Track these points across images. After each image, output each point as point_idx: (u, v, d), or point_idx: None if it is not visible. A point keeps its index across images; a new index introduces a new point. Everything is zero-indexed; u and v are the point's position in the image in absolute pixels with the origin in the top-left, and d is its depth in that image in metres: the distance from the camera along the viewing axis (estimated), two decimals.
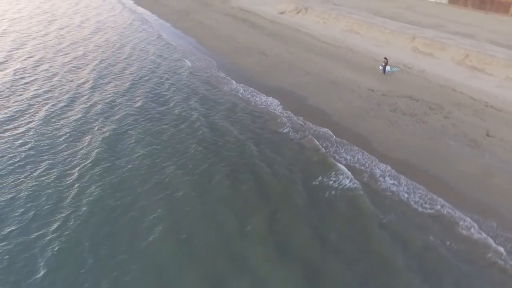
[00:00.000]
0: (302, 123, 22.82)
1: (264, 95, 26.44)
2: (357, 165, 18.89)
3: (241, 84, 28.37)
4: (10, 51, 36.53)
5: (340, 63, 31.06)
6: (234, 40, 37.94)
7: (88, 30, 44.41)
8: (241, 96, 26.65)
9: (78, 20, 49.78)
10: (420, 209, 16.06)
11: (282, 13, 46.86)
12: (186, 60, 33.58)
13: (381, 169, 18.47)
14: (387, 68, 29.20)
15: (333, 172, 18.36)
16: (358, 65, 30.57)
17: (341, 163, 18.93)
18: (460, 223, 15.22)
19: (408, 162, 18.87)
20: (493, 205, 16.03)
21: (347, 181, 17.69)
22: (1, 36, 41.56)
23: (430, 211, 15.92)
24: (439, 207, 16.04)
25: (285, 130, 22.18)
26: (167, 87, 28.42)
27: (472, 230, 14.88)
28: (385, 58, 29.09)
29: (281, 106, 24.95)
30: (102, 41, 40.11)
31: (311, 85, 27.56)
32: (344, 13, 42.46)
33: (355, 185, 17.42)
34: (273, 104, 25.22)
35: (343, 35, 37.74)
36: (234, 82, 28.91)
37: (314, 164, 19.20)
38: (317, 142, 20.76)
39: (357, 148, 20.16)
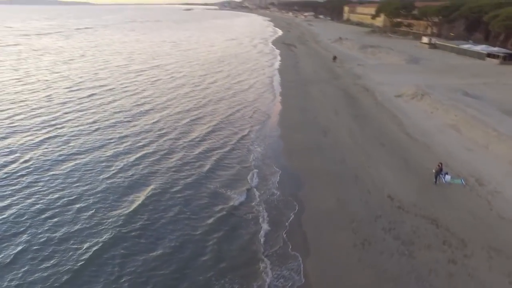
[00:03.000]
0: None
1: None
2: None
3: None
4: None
5: (394, 159, 25.41)
6: (314, 116, 35.69)
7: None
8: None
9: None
10: None
11: (399, 96, 41.75)
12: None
13: None
14: (446, 177, 22.32)
15: None
16: (412, 166, 24.42)
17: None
18: None
19: None
20: None
21: None
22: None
23: None
24: None
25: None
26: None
27: None
28: (440, 164, 22.33)
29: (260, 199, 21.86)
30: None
31: (332, 174, 23.34)
32: (462, 105, 34.80)
33: None
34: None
35: (439, 130, 30.87)
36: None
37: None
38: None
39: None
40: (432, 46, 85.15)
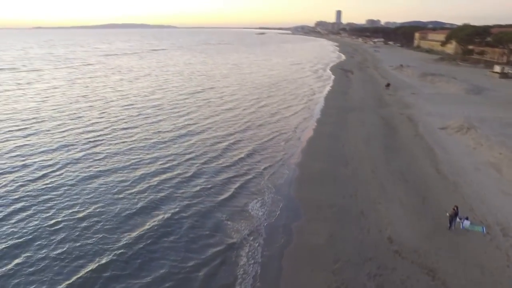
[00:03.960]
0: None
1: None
2: None
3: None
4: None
5: (411, 197, 23.21)
6: (342, 144, 34.13)
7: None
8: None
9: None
10: None
11: (443, 128, 38.52)
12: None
13: None
14: (465, 222, 19.88)
15: None
16: (430, 207, 22.08)
17: None
18: None
19: None
20: None
21: None
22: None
23: None
24: None
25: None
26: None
27: None
28: (455, 207, 19.89)
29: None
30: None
31: (337, 208, 21.89)
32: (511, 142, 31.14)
33: None
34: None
35: (476, 168, 27.77)
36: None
37: None
38: None
39: None
40: (504, 75, 77.88)
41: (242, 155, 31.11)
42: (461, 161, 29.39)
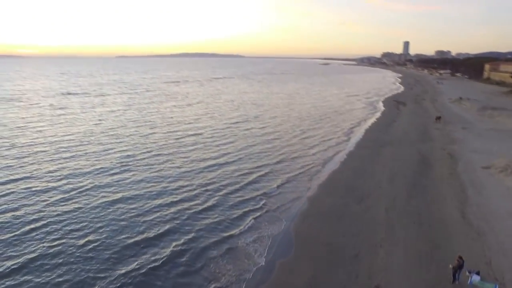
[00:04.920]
0: None
1: None
2: None
3: None
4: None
5: (421, 243, 20.87)
6: (364, 179, 32.10)
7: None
8: None
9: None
10: None
11: (487, 167, 34.74)
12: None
13: None
14: (475, 277, 17.36)
15: None
16: (438, 255, 19.63)
17: None
18: None
19: None
20: None
21: None
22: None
23: None
24: None
25: None
26: None
27: None
28: (460, 258, 17.43)
29: None
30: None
31: (332, 247, 20.29)
32: None
33: None
34: None
35: (510, 215, 24.43)
36: None
37: None
38: None
39: None
40: None
41: (263, 190, 29.96)
42: (495, 205, 26.11)
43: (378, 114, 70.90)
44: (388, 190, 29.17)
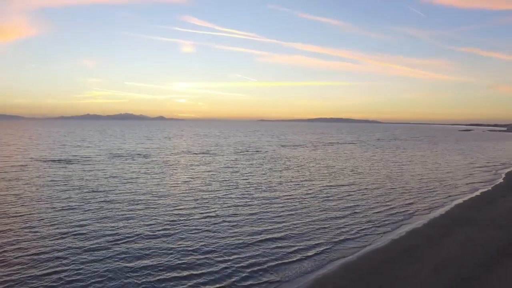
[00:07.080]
0: None
1: None
2: None
3: None
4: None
5: None
6: (401, 262, 27.17)
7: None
8: None
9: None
10: None
11: None
12: None
13: None
14: None
15: None
16: None
17: None
18: None
19: None
20: None
21: None
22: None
23: None
24: None
25: None
26: None
27: None
28: None
29: None
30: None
31: None
32: None
33: None
34: None
35: None
36: None
37: None
38: None
39: None
40: None
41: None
42: None
43: (488, 188, 60.00)
44: (422, 281, 24.10)
